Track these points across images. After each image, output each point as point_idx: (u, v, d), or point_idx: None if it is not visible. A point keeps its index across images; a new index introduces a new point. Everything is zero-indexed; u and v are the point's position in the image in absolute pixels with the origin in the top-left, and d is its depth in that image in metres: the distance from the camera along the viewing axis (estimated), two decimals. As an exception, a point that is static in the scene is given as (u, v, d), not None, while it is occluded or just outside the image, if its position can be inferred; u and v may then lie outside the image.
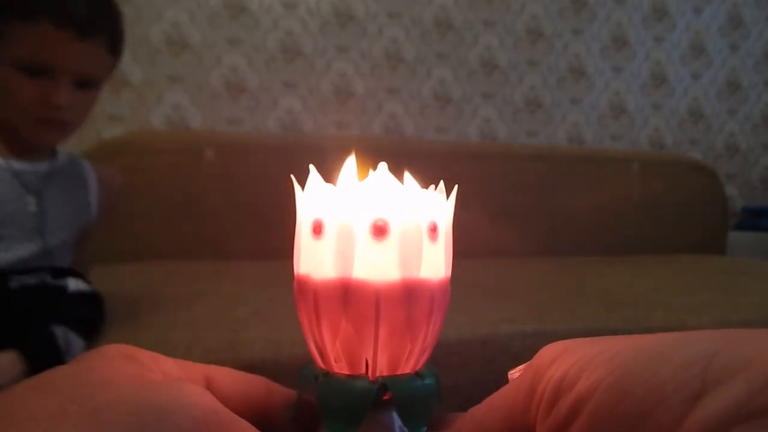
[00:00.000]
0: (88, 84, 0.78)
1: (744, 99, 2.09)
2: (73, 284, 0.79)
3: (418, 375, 0.21)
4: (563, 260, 1.58)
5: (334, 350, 0.20)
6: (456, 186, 0.22)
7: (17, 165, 0.78)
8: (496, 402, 0.19)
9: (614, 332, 0.89)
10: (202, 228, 1.44)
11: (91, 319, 0.79)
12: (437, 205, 0.21)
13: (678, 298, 1.07)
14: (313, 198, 0.21)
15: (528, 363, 0.18)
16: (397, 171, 0.21)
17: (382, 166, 0.20)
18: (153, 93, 1.57)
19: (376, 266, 0.19)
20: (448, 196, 0.22)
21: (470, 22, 1.81)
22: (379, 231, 0.19)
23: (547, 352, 0.18)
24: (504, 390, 0.19)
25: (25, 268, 0.77)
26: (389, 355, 0.20)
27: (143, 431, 0.14)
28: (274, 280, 1.09)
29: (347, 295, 0.19)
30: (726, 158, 2.11)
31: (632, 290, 1.16)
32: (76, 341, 0.72)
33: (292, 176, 0.22)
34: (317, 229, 0.20)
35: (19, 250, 0.77)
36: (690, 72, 2.03)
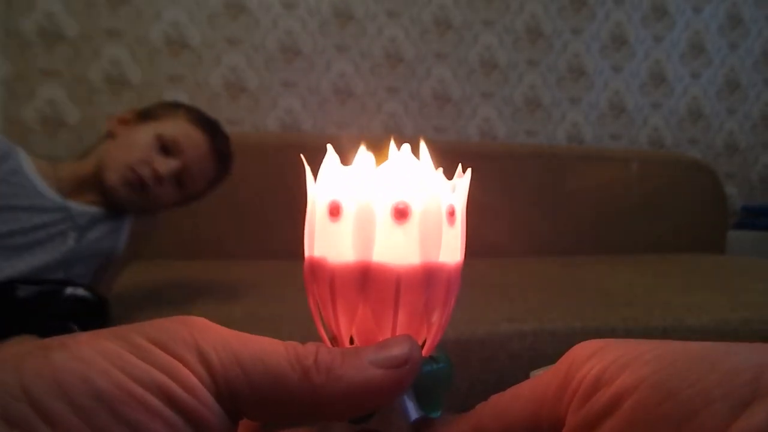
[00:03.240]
0: (184, 187, 0.92)
1: (743, 98, 2.10)
2: (71, 290, 0.81)
3: (432, 359, 0.21)
4: (562, 259, 1.58)
5: (348, 334, 0.20)
6: (470, 169, 0.22)
7: (74, 205, 0.90)
8: (523, 391, 0.19)
9: (613, 331, 0.89)
10: (201, 228, 1.44)
11: (87, 324, 0.79)
12: (455, 188, 0.21)
13: (677, 297, 1.07)
14: (329, 179, 0.20)
15: (559, 361, 0.18)
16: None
17: (406, 148, 0.20)
18: (153, 93, 1.57)
19: (397, 250, 0.19)
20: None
21: (469, 22, 1.81)
22: (401, 214, 0.19)
23: (582, 348, 0.18)
24: (532, 381, 0.19)
25: (36, 280, 0.82)
26: None
27: None
28: (273, 281, 1.10)
29: (366, 278, 0.19)
30: (725, 157, 2.11)
31: (632, 289, 1.16)
32: None
33: (301, 155, 0.21)
34: (334, 211, 0.20)
35: (42, 273, 0.84)
36: (689, 71, 2.03)
